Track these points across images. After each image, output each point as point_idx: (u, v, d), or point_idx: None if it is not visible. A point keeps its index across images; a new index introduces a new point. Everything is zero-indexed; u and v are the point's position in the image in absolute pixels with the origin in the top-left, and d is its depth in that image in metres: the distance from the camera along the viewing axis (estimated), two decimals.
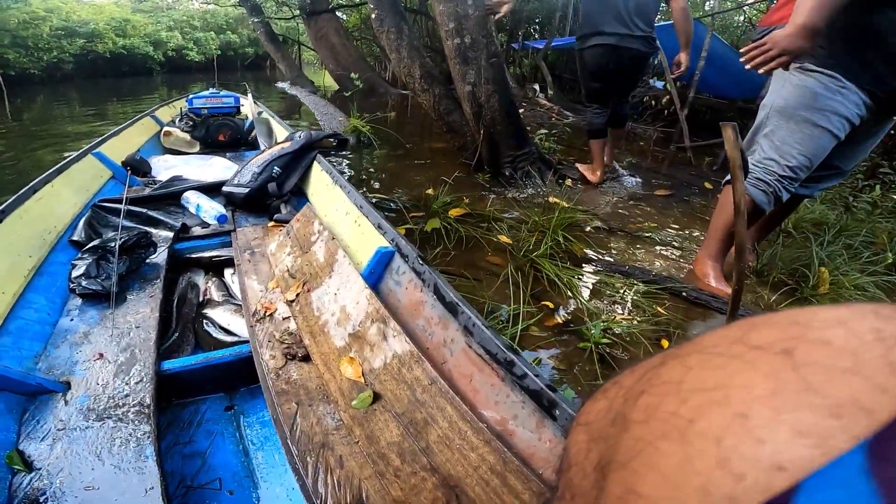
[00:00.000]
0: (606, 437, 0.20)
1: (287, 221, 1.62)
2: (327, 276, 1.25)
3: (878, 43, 1.34)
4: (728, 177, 1.55)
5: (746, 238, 1.36)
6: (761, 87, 2.63)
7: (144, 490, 0.77)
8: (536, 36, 8.31)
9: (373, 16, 3.02)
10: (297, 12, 7.83)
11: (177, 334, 1.22)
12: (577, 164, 3.04)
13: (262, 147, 2.49)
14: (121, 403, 0.93)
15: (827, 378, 0.14)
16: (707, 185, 3.11)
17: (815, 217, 2.39)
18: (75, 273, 1.27)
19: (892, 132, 2.91)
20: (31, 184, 1.54)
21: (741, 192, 1.30)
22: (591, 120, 2.75)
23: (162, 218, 1.66)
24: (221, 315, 1.30)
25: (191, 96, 3.12)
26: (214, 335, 1.24)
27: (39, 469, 0.80)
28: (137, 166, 2.07)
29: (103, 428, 0.88)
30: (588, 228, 2.23)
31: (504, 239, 1.98)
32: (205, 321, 1.28)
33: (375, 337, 1.04)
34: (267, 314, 1.22)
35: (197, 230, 1.67)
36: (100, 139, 2.22)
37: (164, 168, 2.21)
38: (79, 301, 1.25)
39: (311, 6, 7.46)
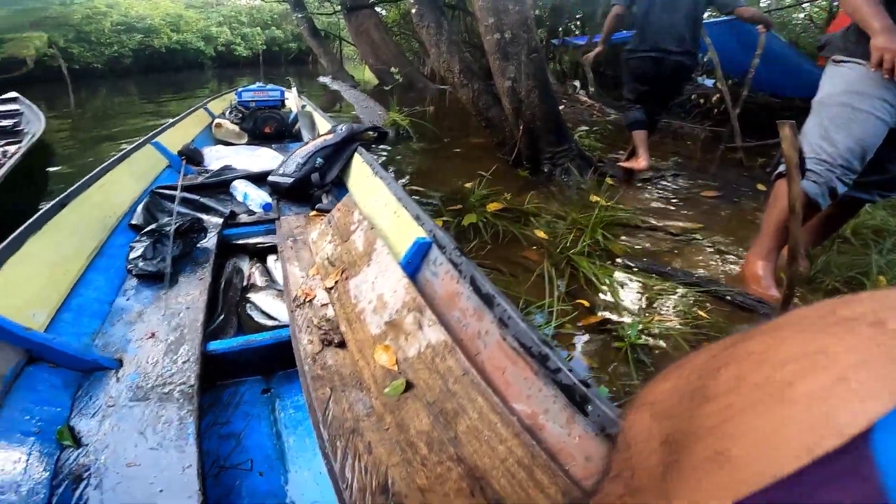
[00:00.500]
0: (677, 414, 0.21)
1: (328, 211, 1.66)
2: (366, 264, 1.27)
3: None
4: (780, 168, 1.56)
5: (801, 240, 1.29)
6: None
7: (182, 468, 0.79)
8: (577, 32, 8.11)
9: (413, 11, 3.04)
10: (339, 8, 7.97)
11: (222, 317, 1.27)
12: (619, 163, 3.01)
13: (306, 139, 2.57)
14: (167, 382, 0.97)
15: None
16: (760, 186, 2.95)
17: (875, 223, 2.22)
18: (133, 255, 1.35)
19: None
20: (96, 170, 1.64)
21: (797, 193, 1.23)
22: (630, 114, 2.80)
23: (212, 205, 1.74)
24: (264, 300, 1.35)
25: (240, 89, 3.25)
26: (256, 319, 1.28)
27: (87, 445, 0.83)
28: (191, 156, 2.18)
29: (149, 406, 0.91)
30: (628, 227, 2.17)
31: (541, 235, 1.95)
32: (248, 305, 1.33)
33: (411, 326, 1.05)
34: (307, 300, 1.25)
35: (244, 217, 1.74)
36: (158, 129, 2.35)
37: (215, 158, 2.31)
38: (134, 281, 1.32)
39: (351, 1, 7.57)
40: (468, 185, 2.40)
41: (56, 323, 1.09)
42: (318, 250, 1.46)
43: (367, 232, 1.36)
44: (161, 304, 1.23)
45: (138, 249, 1.35)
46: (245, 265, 1.54)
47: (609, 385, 1.24)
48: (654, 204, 2.54)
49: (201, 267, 1.40)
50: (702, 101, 4.99)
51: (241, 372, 1.11)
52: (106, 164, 1.73)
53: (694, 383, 0.21)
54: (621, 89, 2.98)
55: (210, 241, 1.52)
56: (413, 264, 1.24)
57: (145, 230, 1.41)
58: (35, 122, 3.61)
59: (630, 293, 1.66)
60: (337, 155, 2.02)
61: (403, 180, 2.74)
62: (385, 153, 3.40)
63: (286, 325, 1.19)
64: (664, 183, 2.90)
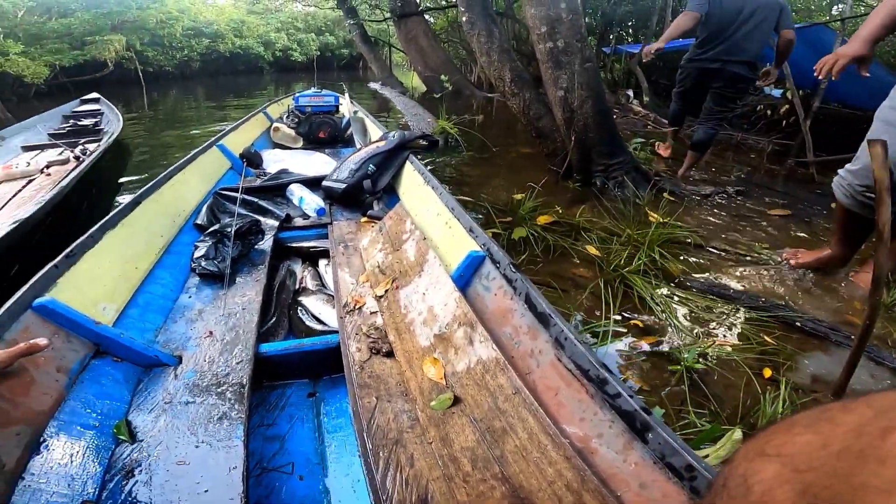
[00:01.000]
0: (828, 471, 0.21)
1: (379, 218, 1.68)
2: (417, 275, 1.27)
3: None
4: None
5: (886, 266, 1.19)
6: None
7: (228, 469, 0.80)
8: (630, 40, 7.87)
9: (463, 19, 3.03)
10: (389, 15, 8.14)
11: (274, 319, 1.30)
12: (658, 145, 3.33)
13: (358, 144, 2.62)
14: (221, 382, 0.99)
15: None
16: (834, 205, 2.72)
17: None
18: (197, 254, 1.41)
19: None
20: (168, 170, 1.74)
21: (886, 218, 1.13)
22: (671, 109, 3.18)
23: (270, 207, 1.80)
24: (314, 304, 1.37)
25: (297, 94, 3.37)
26: (307, 322, 1.31)
27: (141, 441, 0.85)
28: (252, 158, 2.28)
29: (203, 405, 0.93)
30: (688, 246, 2.06)
31: (593, 251, 1.89)
32: (299, 308, 1.36)
33: (461, 340, 1.03)
34: (356, 307, 1.27)
35: (298, 221, 1.79)
36: (223, 132, 2.48)
37: (273, 161, 2.41)
38: (197, 280, 1.38)
39: (401, 9, 7.71)
40: (518, 196, 2.36)
41: (123, 317, 1.14)
42: (369, 257, 1.48)
43: (420, 242, 1.36)
44: (219, 304, 1.27)
45: (202, 249, 1.41)
46: (298, 268, 1.57)
47: (660, 407, 1.19)
48: (716, 221, 2.40)
49: (257, 268, 1.45)
50: (768, 112, 4.69)
51: (290, 374, 1.13)
52: (176, 164, 1.83)
53: (853, 443, 0.20)
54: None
55: (266, 243, 1.57)
56: (465, 278, 1.23)
57: (209, 230, 1.48)
58: (114, 122, 3.90)
59: (688, 315, 1.58)
60: (389, 162, 2.05)
61: (452, 189, 2.74)
62: (434, 161, 3.42)
63: (335, 331, 1.20)
64: (727, 199, 2.74)
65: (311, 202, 1.86)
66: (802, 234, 2.30)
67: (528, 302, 1.00)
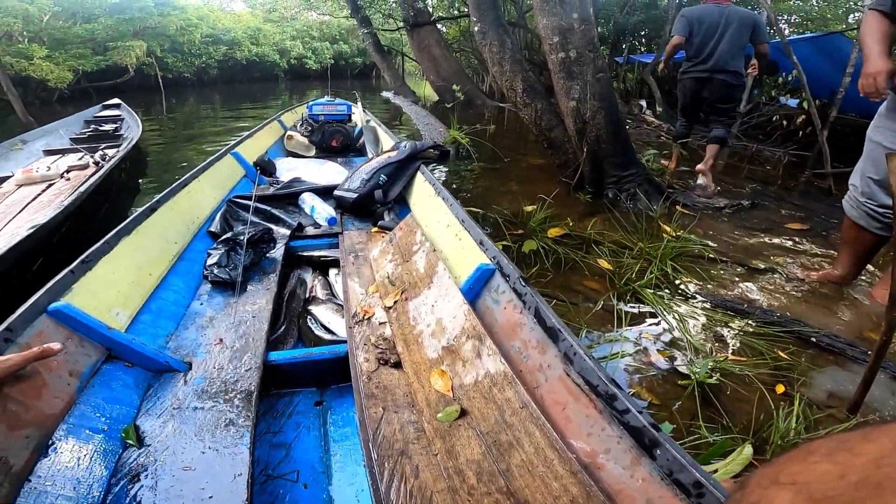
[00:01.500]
0: (846, 500, 0.20)
1: (390, 228, 1.69)
2: (426, 287, 1.27)
3: None
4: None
5: None
6: None
7: (234, 476, 0.80)
8: (642, 49, 7.85)
9: (475, 29, 3.04)
10: (402, 24, 8.23)
11: (283, 327, 1.31)
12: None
13: (370, 154, 2.64)
14: (230, 389, 1.00)
15: None
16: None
17: None
18: (209, 261, 1.43)
19: None
20: (183, 178, 1.77)
21: None
22: (676, 127, 3.42)
23: (282, 216, 1.82)
24: (324, 313, 1.38)
25: (311, 103, 3.42)
26: (315, 331, 1.31)
27: (149, 446, 0.86)
28: (265, 167, 2.31)
29: (211, 411, 0.94)
30: (701, 260, 2.03)
31: (604, 264, 1.87)
32: (309, 317, 1.37)
33: (469, 353, 1.03)
34: (365, 317, 1.27)
35: (310, 230, 1.80)
36: (238, 140, 2.52)
37: (286, 169, 2.44)
38: (208, 287, 1.40)
39: (414, 18, 7.79)
40: (529, 208, 2.36)
41: (135, 323, 1.16)
42: (379, 268, 1.48)
43: (429, 254, 1.36)
44: (230, 311, 1.28)
45: (214, 256, 1.43)
46: (308, 277, 1.58)
47: (671, 422, 1.18)
48: (730, 235, 2.37)
49: (268, 277, 1.46)
50: (784, 122, 4.63)
51: (297, 383, 1.13)
52: (192, 171, 1.86)
53: (872, 474, 0.20)
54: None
55: (278, 252, 1.58)
56: (474, 290, 1.22)
57: (222, 238, 1.50)
58: (134, 128, 3.99)
59: (701, 329, 1.56)
60: (400, 172, 2.06)
61: (462, 200, 2.74)
62: (445, 171, 3.43)
63: (344, 341, 1.20)
64: (741, 212, 2.70)
65: (322, 211, 1.87)
66: (820, 249, 2.26)
67: (538, 316, 1.00)
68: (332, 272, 1.61)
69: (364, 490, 0.88)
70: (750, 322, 1.57)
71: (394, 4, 8.41)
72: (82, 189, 2.17)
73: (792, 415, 1.13)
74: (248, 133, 2.75)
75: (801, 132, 4.32)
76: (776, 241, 2.32)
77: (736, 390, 1.28)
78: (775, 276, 1.93)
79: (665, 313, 1.57)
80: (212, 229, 1.70)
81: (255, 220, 1.75)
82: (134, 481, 0.79)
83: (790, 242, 2.31)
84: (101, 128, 4.13)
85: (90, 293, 1.08)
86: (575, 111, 2.60)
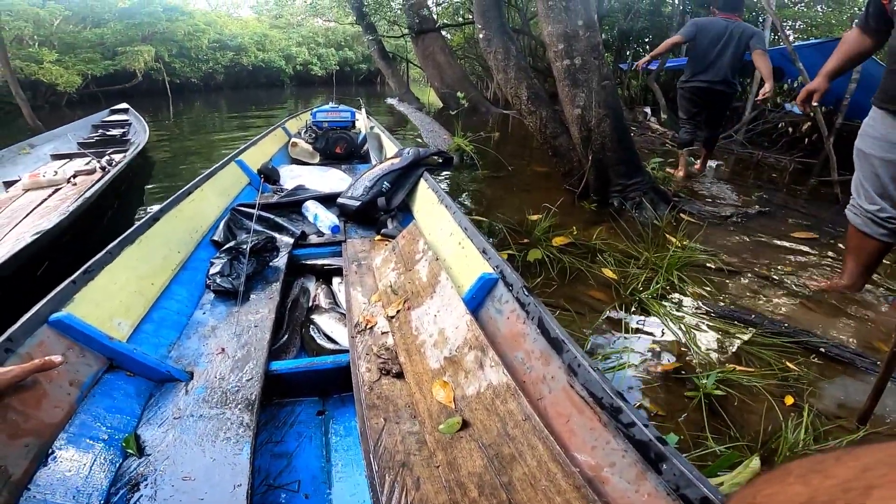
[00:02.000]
0: None
1: (393, 237, 1.68)
2: (429, 296, 1.26)
3: None
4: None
5: None
6: None
7: (233, 486, 0.80)
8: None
9: (480, 36, 3.03)
10: (406, 31, 8.26)
11: (286, 336, 1.30)
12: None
13: (374, 160, 2.64)
14: (231, 399, 0.99)
15: None
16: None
17: None
18: (212, 270, 1.43)
19: None
20: (187, 186, 1.77)
21: None
22: (681, 135, 3.52)
23: (285, 224, 1.82)
24: (326, 322, 1.37)
25: (315, 109, 3.43)
26: (318, 341, 1.30)
27: (149, 455, 0.85)
28: (269, 174, 2.31)
29: (212, 421, 0.93)
30: (708, 270, 2.01)
31: (610, 274, 1.86)
32: (311, 326, 1.36)
33: (471, 364, 1.02)
34: (368, 327, 1.26)
35: (313, 238, 1.80)
36: (242, 148, 2.52)
37: (290, 177, 2.44)
38: (211, 296, 1.39)
39: (419, 25, 7.83)
40: (533, 217, 2.34)
41: (138, 332, 1.16)
42: (382, 277, 1.48)
43: (432, 263, 1.35)
44: (233, 320, 1.28)
45: (217, 265, 1.43)
46: (311, 286, 1.58)
47: (676, 433, 1.16)
48: (737, 244, 2.34)
49: (271, 285, 1.45)
50: (789, 129, 4.60)
51: (299, 392, 1.13)
52: (196, 180, 1.87)
53: (838, 497, 0.20)
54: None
55: (281, 261, 1.58)
56: (477, 300, 1.21)
57: (224, 247, 1.50)
58: (141, 133, 4.01)
59: (707, 340, 1.55)
60: (403, 179, 2.05)
61: (466, 208, 2.74)
62: (449, 179, 3.43)
63: (346, 350, 1.19)
64: (748, 220, 2.67)
65: (325, 219, 1.87)
66: (827, 258, 2.23)
67: (541, 326, 0.99)
68: (336, 281, 1.61)
69: (366, 501, 0.87)
70: (757, 332, 1.55)
71: (399, 11, 8.47)
72: (88, 194, 2.18)
73: (801, 426, 1.12)
74: (252, 140, 2.76)
75: (806, 139, 4.30)
76: (783, 249, 2.30)
77: (743, 401, 1.26)
78: (782, 285, 1.91)
79: (671, 324, 1.56)
80: (215, 238, 1.70)
81: (259, 228, 1.75)
82: (133, 490, 0.79)
83: (797, 251, 2.29)
84: (108, 132, 4.16)
85: (92, 303, 1.08)
86: (580, 119, 2.60)
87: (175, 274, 1.42)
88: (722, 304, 1.73)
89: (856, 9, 7.82)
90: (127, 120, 4.65)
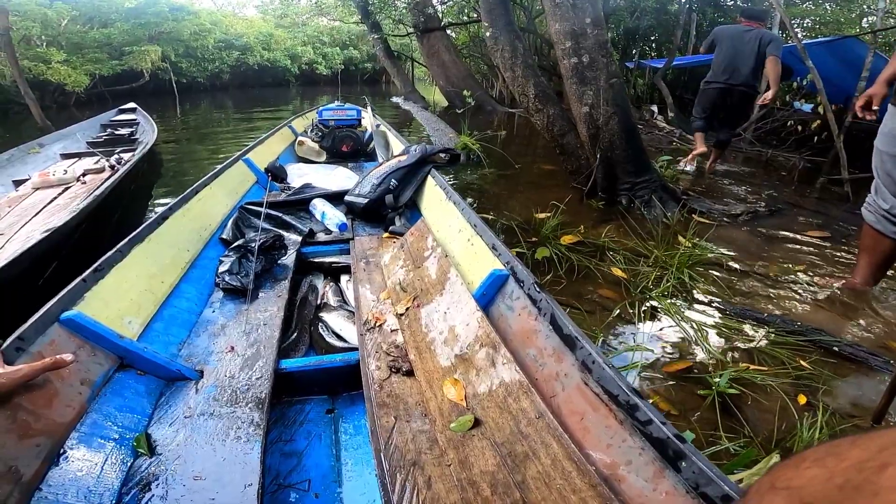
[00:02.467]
0: (832, 502, 0.22)
1: (401, 234, 1.68)
2: (438, 293, 1.25)
3: None
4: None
5: None
6: None
7: (244, 486, 0.79)
8: (653, 54, 7.81)
9: (487, 34, 3.02)
10: (412, 30, 8.25)
11: (295, 334, 1.29)
12: (684, 161, 3.77)
13: (380, 158, 2.64)
14: (241, 397, 0.99)
15: None
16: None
17: None
18: (221, 269, 1.42)
19: None
20: (195, 185, 1.77)
21: None
22: (693, 123, 3.66)
23: (293, 222, 1.82)
24: (335, 320, 1.36)
25: (321, 108, 3.43)
26: (327, 339, 1.30)
27: (160, 455, 0.85)
28: (277, 173, 2.32)
29: (222, 420, 0.93)
30: (719, 268, 1.99)
31: (618, 272, 1.84)
32: (320, 324, 1.35)
33: (483, 361, 1.01)
34: (377, 324, 1.25)
35: (321, 236, 1.80)
36: (249, 146, 2.53)
37: (297, 175, 2.44)
38: (220, 294, 1.39)
39: (424, 24, 7.81)
40: (541, 215, 2.33)
41: (148, 331, 1.15)
42: (390, 274, 1.47)
43: (441, 259, 1.34)
44: (242, 319, 1.27)
45: (226, 264, 1.43)
46: (320, 284, 1.57)
47: (691, 432, 1.15)
48: (748, 242, 2.32)
49: (280, 283, 1.45)
50: (799, 128, 4.56)
51: (309, 390, 1.12)
52: (203, 179, 1.87)
53: (854, 477, 0.21)
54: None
55: (289, 259, 1.57)
56: (487, 297, 1.20)
57: (233, 245, 1.49)
58: (149, 132, 4.03)
59: (720, 339, 1.53)
60: (410, 177, 2.05)
61: (474, 206, 2.72)
62: (456, 177, 3.42)
63: (355, 348, 1.19)
64: (758, 219, 2.65)
65: (333, 217, 1.86)
66: (840, 256, 2.21)
67: (554, 323, 0.98)
68: (344, 278, 1.60)
69: (376, 501, 0.86)
70: (770, 331, 1.54)
71: (404, 10, 8.46)
72: (98, 192, 2.19)
73: (816, 425, 1.11)
74: (259, 139, 2.76)
75: (815, 137, 4.26)
76: (794, 248, 2.28)
77: (757, 400, 1.25)
78: (795, 284, 1.89)
79: (683, 322, 1.54)
80: (224, 236, 1.70)
81: (267, 226, 1.74)
82: (145, 490, 0.78)
83: (809, 250, 2.26)
84: (117, 132, 4.19)
85: (102, 302, 1.07)
86: (588, 117, 2.58)
87: (184, 272, 1.42)
88: (733, 302, 1.72)
89: (864, 6, 7.74)
90: (135, 119, 4.68)
